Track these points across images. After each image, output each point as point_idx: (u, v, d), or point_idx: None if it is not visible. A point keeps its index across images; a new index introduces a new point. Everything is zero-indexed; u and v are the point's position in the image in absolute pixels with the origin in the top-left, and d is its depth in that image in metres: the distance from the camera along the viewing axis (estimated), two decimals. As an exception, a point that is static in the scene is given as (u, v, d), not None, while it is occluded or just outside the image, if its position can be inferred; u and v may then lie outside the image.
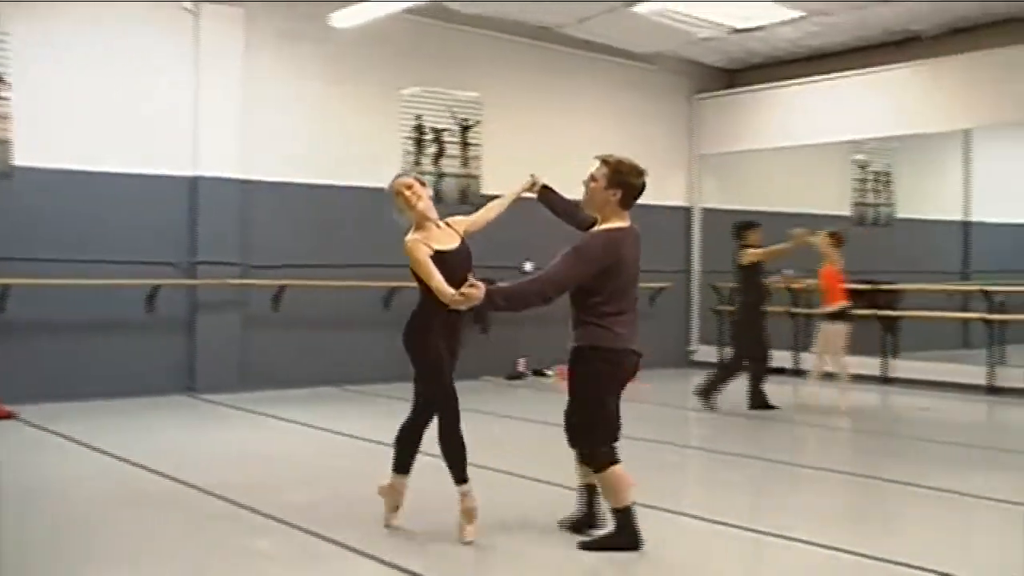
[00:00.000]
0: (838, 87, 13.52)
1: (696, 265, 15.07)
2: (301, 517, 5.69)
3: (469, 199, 12.59)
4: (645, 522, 5.14)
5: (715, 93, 15.07)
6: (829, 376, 10.58)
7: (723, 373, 10.48)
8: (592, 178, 5.10)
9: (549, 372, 13.02)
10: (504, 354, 12.86)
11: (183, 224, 11.00)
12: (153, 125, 10.82)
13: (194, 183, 10.98)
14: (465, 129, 12.78)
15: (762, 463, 7.79)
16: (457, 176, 12.73)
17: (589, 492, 5.43)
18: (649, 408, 10.32)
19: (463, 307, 4.86)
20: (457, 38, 12.75)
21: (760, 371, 10.36)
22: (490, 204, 5.70)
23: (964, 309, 14.37)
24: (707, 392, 10.34)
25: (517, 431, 9.50)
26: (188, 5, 10.93)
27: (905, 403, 11.63)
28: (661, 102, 14.81)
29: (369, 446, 8.01)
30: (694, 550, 5.39)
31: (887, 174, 16.61)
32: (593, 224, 5.22)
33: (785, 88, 14.16)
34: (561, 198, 5.74)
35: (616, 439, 5.14)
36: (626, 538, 5.08)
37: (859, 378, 12.59)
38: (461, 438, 5.21)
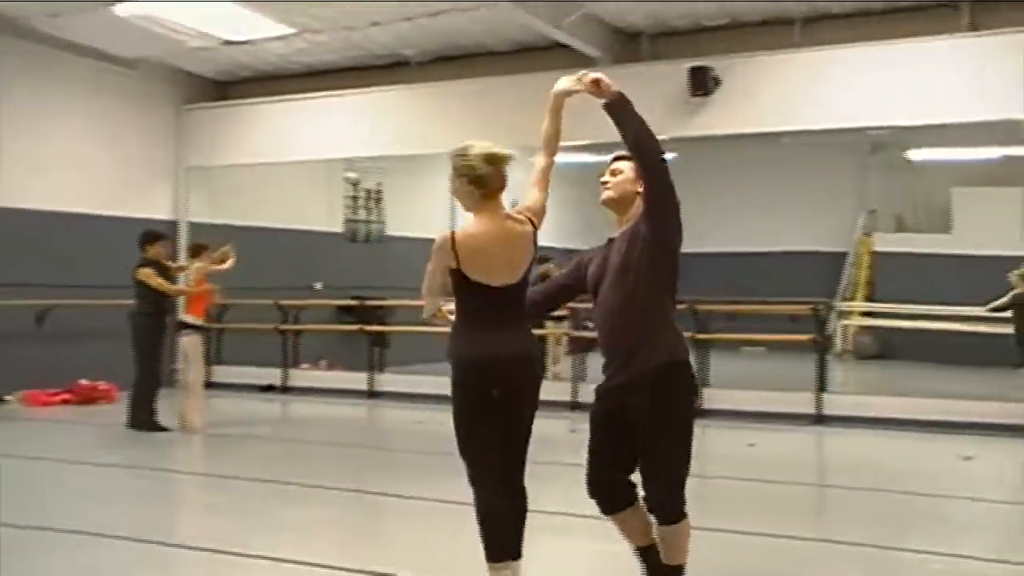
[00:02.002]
0: (329, 105, 13.65)
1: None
2: None
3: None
4: (135, 560, 4.66)
5: (205, 104, 14.59)
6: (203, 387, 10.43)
7: (140, 396, 9.91)
8: (613, 172, 4.37)
9: (8, 397, 11.78)
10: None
11: None
12: None
13: None
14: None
15: (245, 483, 7.55)
16: None
17: (653, 553, 4.40)
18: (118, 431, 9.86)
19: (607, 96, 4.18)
20: None
21: (153, 390, 9.94)
22: None
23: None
24: (144, 421, 9.82)
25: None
26: None
27: (391, 416, 11.94)
28: (146, 110, 14.04)
29: None
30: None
31: (378, 192, 17.11)
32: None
33: (277, 103, 14.03)
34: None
35: None
36: None
37: (347, 392, 12.91)
38: None
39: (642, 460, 4.22)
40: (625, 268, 4.23)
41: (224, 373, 13.69)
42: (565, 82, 4.33)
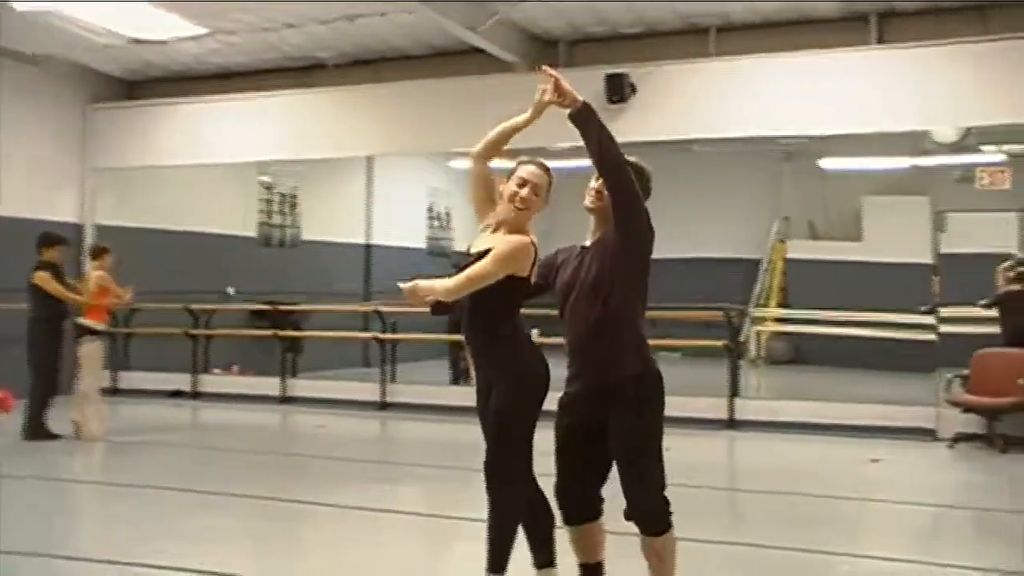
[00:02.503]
0: (243, 107, 13.38)
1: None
2: None
3: None
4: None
5: (113, 104, 14.21)
6: (103, 394, 10.23)
7: (37, 404, 9.58)
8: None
9: None
10: None
11: None
12: None
13: None
14: None
15: (151, 491, 7.34)
16: None
17: (599, 571, 4.39)
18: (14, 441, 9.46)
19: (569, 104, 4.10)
20: None
21: (46, 398, 9.63)
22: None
23: (365, 329, 14.94)
24: (35, 430, 9.50)
25: None
26: None
27: (304, 421, 11.75)
28: (50, 109, 13.60)
29: None
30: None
31: (293, 196, 16.89)
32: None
33: (189, 104, 13.72)
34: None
35: None
36: None
37: (259, 398, 12.72)
38: None
39: (624, 472, 4.13)
40: (600, 277, 4.19)
41: (131, 379, 13.39)
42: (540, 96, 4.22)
